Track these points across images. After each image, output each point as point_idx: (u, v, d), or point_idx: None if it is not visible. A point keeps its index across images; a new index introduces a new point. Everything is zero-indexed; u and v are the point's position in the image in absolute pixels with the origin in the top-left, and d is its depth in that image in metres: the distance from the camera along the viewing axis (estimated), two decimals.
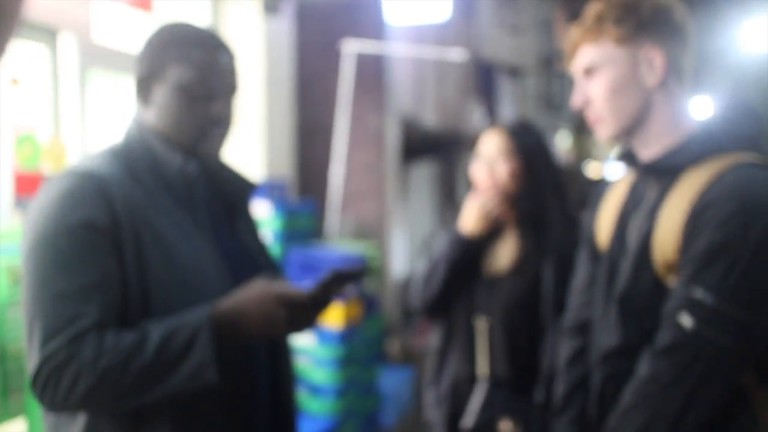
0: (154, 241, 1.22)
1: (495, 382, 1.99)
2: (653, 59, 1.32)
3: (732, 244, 1.18)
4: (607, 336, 1.38)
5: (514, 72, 10.40)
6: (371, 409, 4.17)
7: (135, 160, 1.30)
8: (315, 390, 3.70)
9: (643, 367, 1.25)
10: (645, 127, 1.35)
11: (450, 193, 8.21)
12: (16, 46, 2.44)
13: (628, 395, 1.27)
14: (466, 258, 2.03)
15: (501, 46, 9.09)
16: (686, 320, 1.19)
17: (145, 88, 1.33)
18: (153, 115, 1.32)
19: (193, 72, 1.29)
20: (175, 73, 1.29)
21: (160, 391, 1.13)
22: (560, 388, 1.59)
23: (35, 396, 1.16)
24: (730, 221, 1.18)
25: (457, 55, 5.88)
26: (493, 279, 2.04)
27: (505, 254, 2.05)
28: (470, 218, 2.02)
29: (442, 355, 2.14)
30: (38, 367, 1.13)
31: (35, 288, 1.16)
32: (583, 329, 1.54)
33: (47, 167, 2.46)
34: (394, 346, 5.23)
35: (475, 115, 8.02)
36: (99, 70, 2.72)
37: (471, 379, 2.03)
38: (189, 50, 1.30)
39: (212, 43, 1.33)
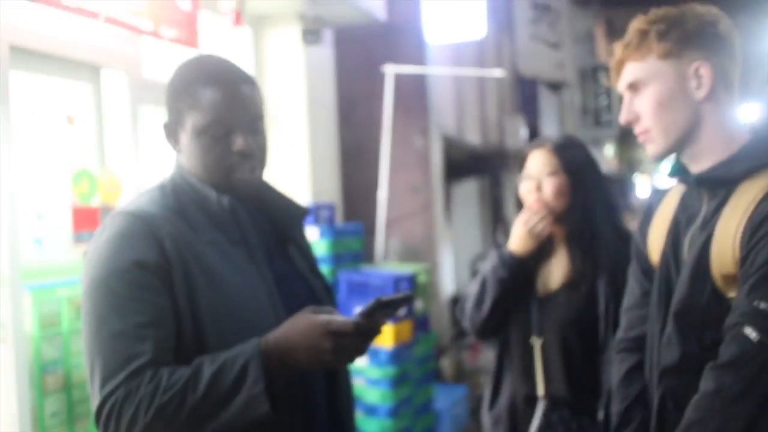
0: (204, 276, 1.24)
1: (553, 402, 1.97)
2: (700, 72, 1.31)
3: None
4: (665, 351, 1.36)
5: (555, 86, 10.35)
6: (426, 428, 4.15)
7: (181, 196, 1.32)
8: (369, 410, 3.70)
9: (708, 382, 1.23)
10: (696, 141, 1.34)
11: (496, 210, 8.18)
12: (70, 84, 2.53)
13: (691, 410, 1.24)
14: (517, 277, 2.01)
15: (541, 61, 9.06)
16: (751, 332, 1.18)
17: (171, 134, 1.36)
18: (185, 159, 1.35)
19: (206, 115, 1.29)
20: (190, 120, 1.30)
21: (215, 425, 1.16)
22: (616, 406, 1.56)
23: None
24: None
25: (496, 72, 5.89)
26: (547, 297, 2.02)
27: (557, 272, 2.03)
28: (519, 237, 2.01)
29: (498, 375, 2.12)
30: (100, 405, 1.17)
31: (93, 328, 1.20)
32: (638, 345, 1.51)
33: (103, 202, 2.54)
34: (446, 365, 5.21)
35: (518, 130, 7.99)
36: (150, 105, 2.81)
37: (528, 399, 2.01)
38: (199, 93, 1.30)
39: (224, 77, 1.31)
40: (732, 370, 1.19)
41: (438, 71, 5.55)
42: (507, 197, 8.16)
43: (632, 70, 1.36)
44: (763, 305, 1.17)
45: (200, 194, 1.32)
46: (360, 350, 1.21)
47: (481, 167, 7.79)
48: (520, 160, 2.08)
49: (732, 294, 1.25)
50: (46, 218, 2.38)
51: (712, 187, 1.32)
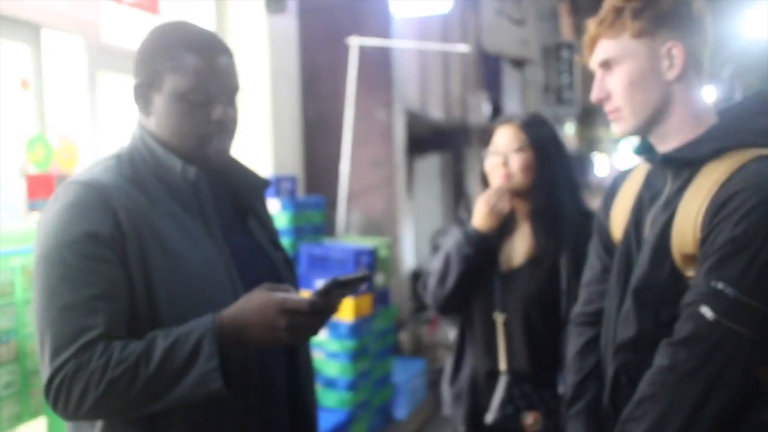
0: (159, 249, 1.22)
1: (515, 376, 2.00)
2: (673, 53, 1.32)
3: (753, 237, 1.18)
4: (621, 327, 1.38)
5: (519, 63, 10.38)
6: (384, 401, 4.20)
7: (139, 166, 1.30)
8: (328, 383, 3.72)
9: (661, 358, 1.25)
10: (664, 121, 1.35)
11: (458, 186, 8.22)
12: (26, 48, 2.46)
13: (644, 385, 1.27)
14: (480, 254, 2.03)
15: (505, 37, 9.06)
16: (707, 311, 1.20)
17: (143, 96, 1.32)
18: (153, 123, 1.31)
19: (188, 80, 1.27)
20: (170, 82, 1.28)
21: (168, 400, 1.15)
22: (570, 378, 1.59)
23: (49, 406, 1.18)
24: (751, 214, 1.19)
25: (460, 47, 5.88)
26: (510, 273, 2.05)
27: (520, 248, 2.06)
28: (483, 215, 2.02)
29: (460, 350, 2.15)
30: (49, 378, 1.15)
31: (44, 301, 1.18)
32: (595, 320, 1.54)
33: (59, 169, 2.49)
34: (405, 339, 5.26)
35: (481, 106, 8.01)
36: (108, 71, 2.74)
37: (490, 374, 2.04)
38: (182, 57, 1.27)
39: (207, 45, 1.30)
40: (686, 347, 1.22)
41: (403, 45, 5.52)
42: (469, 173, 8.21)
43: (605, 48, 1.36)
44: (720, 285, 1.20)
45: (161, 164, 1.29)
46: (315, 329, 1.21)
47: (443, 142, 7.80)
48: (486, 136, 2.09)
49: (690, 273, 1.27)
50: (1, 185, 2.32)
51: (677, 167, 1.34)
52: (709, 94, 1.40)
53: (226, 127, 1.32)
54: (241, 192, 1.43)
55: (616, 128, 1.40)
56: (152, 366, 1.13)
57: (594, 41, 1.38)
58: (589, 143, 19.78)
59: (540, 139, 2.02)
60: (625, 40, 1.34)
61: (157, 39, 1.31)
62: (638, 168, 1.50)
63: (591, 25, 1.39)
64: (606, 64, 1.37)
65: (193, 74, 1.27)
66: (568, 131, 15.13)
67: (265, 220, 1.51)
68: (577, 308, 1.63)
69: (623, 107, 1.35)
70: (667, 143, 1.36)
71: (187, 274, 1.24)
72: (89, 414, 1.16)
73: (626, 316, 1.37)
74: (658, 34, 1.32)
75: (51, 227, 1.21)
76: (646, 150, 1.42)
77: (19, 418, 2.09)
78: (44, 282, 1.19)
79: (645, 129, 1.37)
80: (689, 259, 1.27)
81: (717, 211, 1.23)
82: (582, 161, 16.87)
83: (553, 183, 2.00)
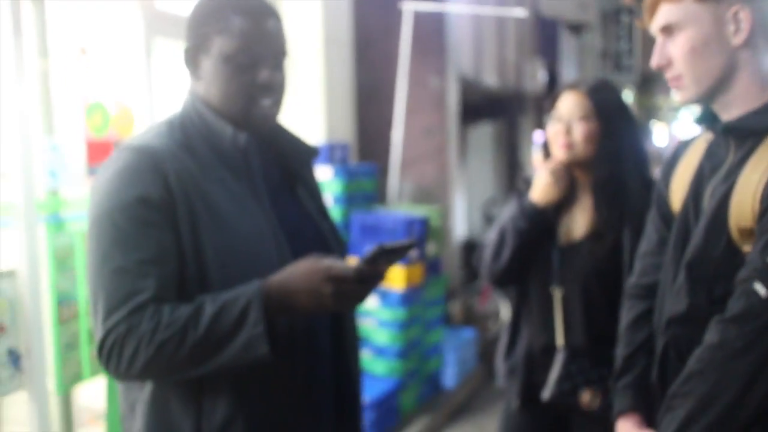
0: (209, 214, 1.23)
1: (572, 352, 1.96)
2: (739, 16, 1.25)
3: None
4: (674, 301, 1.35)
5: (576, 28, 10.12)
6: (434, 370, 4.21)
7: (190, 132, 1.30)
8: (379, 351, 3.75)
9: (712, 334, 1.22)
10: (729, 89, 1.29)
11: (511, 155, 8.10)
12: (83, 15, 2.49)
13: (693, 361, 1.24)
14: (537, 228, 1.97)
15: (562, 2, 8.84)
16: (761, 288, 1.16)
17: (192, 60, 1.32)
18: (203, 87, 1.32)
19: (235, 41, 1.27)
20: (218, 45, 1.28)
21: (214, 363, 1.17)
22: (621, 350, 1.56)
23: (102, 366, 1.21)
24: None
25: (517, 11, 5.74)
26: (569, 247, 1.98)
27: (581, 221, 1.99)
28: (543, 187, 1.96)
29: (515, 324, 2.11)
30: (102, 339, 1.18)
31: (96, 264, 1.20)
32: (649, 292, 1.50)
33: (116, 135, 2.52)
34: (456, 308, 5.25)
35: (537, 73, 7.85)
36: (163, 37, 2.76)
37: (546, 349, 2.00)
38: (230, 19, 1.27)
39: (255, 8, 1.30)
40: (737, 324, 1.18)
41: (457, 9, 5.41)
42: (523, 142, 8.08)
43: (667, 12, 1.30)
44: None
45: (211, 129, 1.30)
46: (361, 296, 1.21)
47: (497, 110, 7.67)
48: (551, 101, 2.01)
49: (747, 248, 1.22)
50: (59, 151, 2.36)
51: (740, 137, 1.28)
52: None
53: (273, 90, 1.32)
54: (289, 159, 1.43)
55: (677, 96, 1.35)
56: (200, 330, 1.15)
57: (655, 5, 1.32)
58: (648, 112, 19.26)
59: (606, 107, 1.93)
60: (687, 4, 1.27)
61: (206, 2, 1.32)
62: (700, 138, 1.44)
63: None
64: (667, 29, 1.31)
65: (239, 36, 1.27)
66: (627, 99, 14.74)
67: (314, 188, 1.51)
68: (632, 280, 1.59)
69: (685, 75, 1.30)
70: (730, 112, 1.30)
71: (236, 240, 1.25)
72: (139, 375, 1.19)
73: (678, 290, 1.33)
74: None
75: (104, 192, 1.23)
76: (708, 119, 1.36)
77: (80, 377, 2.15)
78: (97, 245, 1.21)
79: (708, 97, 1.31)
80: (747, 233, 1.22)
81: None
82: (641, 130, 16.43)
83: (618, 154, 1.91)
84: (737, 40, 1.26)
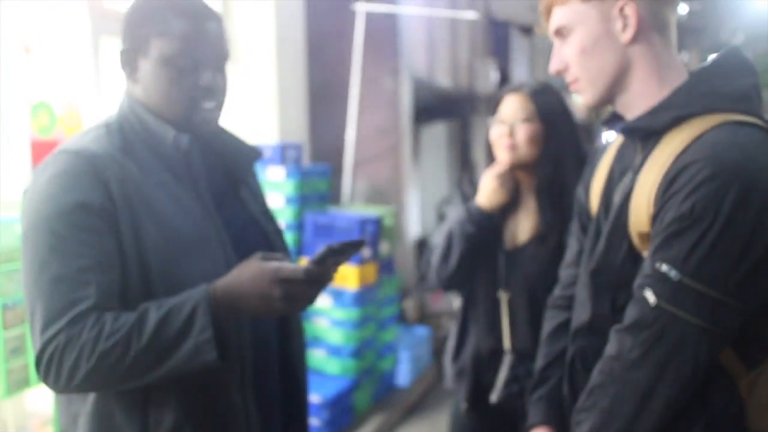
0: (151, 219, 1.21)
1: (519, 355, 1.98)
2: (625, 12, 1.20)
3: (701, 215, 1.07)
4: (578, 311, 1.32)
5: (527, 30, 10.25)
6: (388, 369, 4.23)
7: (129, 135, 1.27)
8: (333, 351, 3.75)
9: (610, 345, 1.18)
10: (626, 88, 1.24)
11: (464, 154, 8.18)
12: (28, 14, 2.44)
13: (595, 374, 1.20)
14: (485, 232, 1.98)
15: (514, 5, 8.94)
16: (650, 296, 1.11)
17: (129, 62, 1.30)
18: (141, 90, 1.29)
19: (176, 44, 1.25)
20: (157, 47, 1.25)
21: (161, 371, 1.14)
22: (538, 362, 1.56)
23: (40, 379, 1.17)
24: (700, 189, 1.07)
25: (468, 14, 5.80)
26: (515, 250, 2.00)
27: (525, 224, 2.01)
28: (489, 191, 1.97)
29: (463, 326, 2.12)
30: (40, 350, 1.14)
31: (33, 272, 1.16)
32: (569, 303, 1.47)
33: (63, 135, 2.48)
34: (410, 307, 5.28)
35: (489, 74, 7.94)
36: (111, 36, 2.72)
37: (493, 352, 2.02)
38: (170, 21, 1.25)
39: (195, 10, 1.28)
40: (631, 334, 1.13)
41: (410, 11, 5.44)
42: (476, 141, 8.16)
43: (557, 16, 1.26)
44: (664, 267, 1.10)
45: (151, 132, 1.27)
46: (310, 297, 1.19)
47: (450, 110, 7.73)
48: (493, 104, 2.02)
49: (646, 253, 1.17)
50: (3, 152, 2.31)
51: (643, 138, 1.23)
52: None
53: (215, 93, 1.30)
54: (232, 162, 1.41)
55: (580, 100, 1.30)
56: (145, 337, 1.12)
57: (549, 10, 1.29)
58: (598, 112, 19.60)
59: (549, 110, 1.95)
60: (574, 5, 1.23)
61: (144, 4, 1.29)
62: (616, 140, 1.40)
63: None
64: (560, 33, 1.27)
65: (180, 38, 1.25)
66: (576, 100, 15.00)
67: (257, 190, 1.49)
68: (555, 292, 1.59)
69: (581, 77, 1.26)
70: (632, 111, 1.25)
71: (180, 245, 1.22)
72: (80, 387, 1.15)
73: (584, 300, 1.30)
74: None
75: (41, 197, 1.18)
76: (615, 121, 1.31)
77: (26, 383, 2.11)
78: (34, 253, 1.16)
79: (607, 98, 1.26)
80: (645, 238, 1.17)
81: (669, 185, 1.11)
82: (590, 131, 16.73)
83: (560, 156, 1.94)
84: (626, 36, 1.21)
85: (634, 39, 1.21)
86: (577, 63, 1.25)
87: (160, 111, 1.29)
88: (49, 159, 1.23)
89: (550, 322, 1.57)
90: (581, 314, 1.31)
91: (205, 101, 1.28)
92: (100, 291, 1.15)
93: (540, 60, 11.53)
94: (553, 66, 1.30)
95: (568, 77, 1.28)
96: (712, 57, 1.26)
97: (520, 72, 9.63)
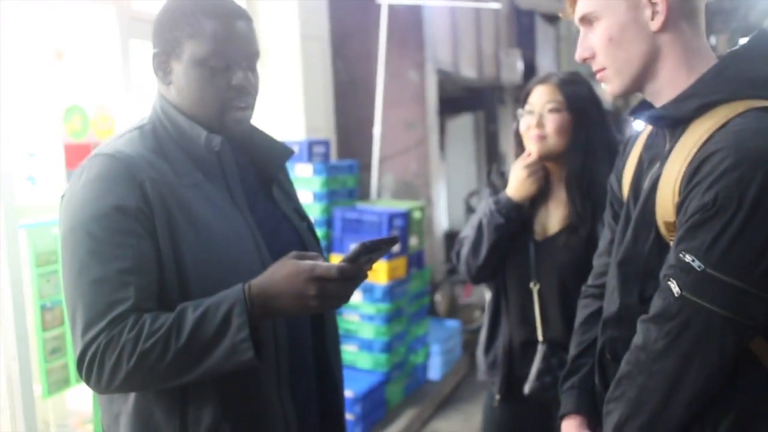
0: (187, 220, 1.22)
1: (552, 346, 1.97)
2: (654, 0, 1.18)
3: (724, 204, 1.05)
4: (608, 301, 1.31)
5: (552, 18, 10.15)
6: (420, 362, 4.24)
7: (162, 137, 1.29)
8: (364, 345, 3.77)
9: (637, 336, 1.17)
10: (655, 77, 1.22)
11: (491, 145, 8.14)
12: (58, 19, 2.47)
13: (623, 364, 1.20)
14: (515, 223, 1.98)
15: None
16: (674, 286, 1.10)
17: (162, 65, 1.31)
18: (174, 92, 1.30)
19: (208, 45, 1.25)
20: (189, 49, 1.26)
21: (199, 371, 1.14)
22: (571, 351, 1.55)
23: (82, 380, 1.19)
24: (723, 177, 1.05)
25: (492, 3, 5.76)
26: (545, 241, 1.99)
27: (555, 215, 2.00)
28: (518, 182, 1.97)
29: (494, 318, 2.11)
30: (82, 352, 1.16)
31: (73, 275, 1.18)
32: (602, 292, 1.44)
33: (95, 138, 2.52)
34: (440, 300, 5.28)
35: (515, 64, 7.88)
36: (140, 39, 2.75)
37: (525, 343, 2.02)
38: (201, 23, 1.26)
39: (225, 10, 1.29)
40: (656, 324, 1.13)
41: (434, 2, 5.43)
42: (503, 132, 8.12)
43: (584, 3, 1.24)
44: (688, 258, 1.08)
45: (184, 134, 1.29)
46: (345, 296, 1.19)
47: (476, 102, 7.71)
48: (524, 95, 2.01)
49: (673, 243, 1.15)
50: (38, 156, 2.35)
51: (669, 126, 1.21)
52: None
53: (247, 93, 1.30)
54: (264, 161, 1.42)
55: (606, 89, 1.27)
56: (183, 338, 1.13)
57: None
58: (626, 99, 19.37)
59: (577, 99, 1.93)
60: None
61: (173, 7, 1.30)
62: (646, 128, 1.37)
63: None
64: (586, 20, 1.24)
65: (211, 39, 1.26)
66: (604, 87, 14.81)
67: (289, 189, 1.50)
68: (589, 281, 1.58)
69: (608, 66, 1.23)
70: (661, 99, 1.22)
71: (215, 245, 1.23)
72: (121, 387, 1.17)
73: (612, 290, 1.29)
74: None
75: (78, 201, 1.20)
76: (642, 109, 1.28)
77: (66, 383, 2.15)
78: (73, 256, 1.18)
79: (635, 87, 1.24)
80: (671, 227, 1.15)
81: (693, 174, 1.09)
82: (618, 118, 16.54)
83: (590, 146, 1.92)
84: (655, 24, 1.18)
85: (663, 27, 1.19)
86: (604, 52, 1.22)
87: (192, 112, 1.30)
88: (84, 163, 1.25)
89: (582, 311, 1.56)
90: (610, 304, 1.30)
91: (238, 101, 1.29)
92: (138, 292, 1.16)
93: (566, 49, 11.43)
94: (579, 54, 1.27)
95: (595, 66, 1.26)
96: (742, 41, 1.23)
97: (545, 61, 9.55)
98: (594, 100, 1.99)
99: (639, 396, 1.15)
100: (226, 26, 1.27)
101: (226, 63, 1.27)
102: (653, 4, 1.18)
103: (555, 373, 1.95)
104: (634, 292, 1.24)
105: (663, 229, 1.18)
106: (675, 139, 1.19)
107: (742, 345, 1.10)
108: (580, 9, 1.25)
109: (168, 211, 1.21)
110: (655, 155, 1.27)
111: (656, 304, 1.14)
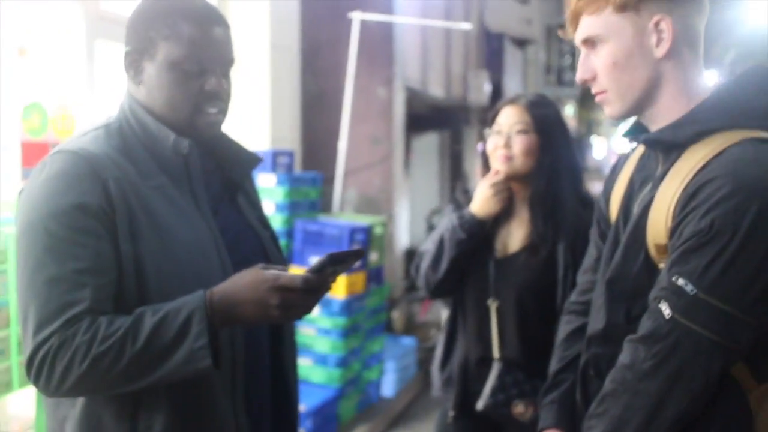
0: (149, 222, 1.20)
1: (507, 364, 1.99)
2: (661, 26, 1.20)
3: (720, 231, 1.08)
4: (593, 318, 1.33)
5: (521, 42, 10.31)
6: (374, 379, 4.22)
7: (129, 137, 1.27)
8: (319, 359, 3.74)
9: (624, 354, 1.19)
10: (655, 102, 1.24)
11: (456, 165, 8.20)
12: (24, 15, 2.43)
13: (608, 382, 1.21)
14: (476, 239, 1.99)
15: (508, 16, 9.00)
16: (665, 308, 1.12)
17: (133, 64, 1.29)
18: (144, 93, 1.28)
19: (183, 48, 1.24)
20: (164, 51, 1.25)
21: (154, 377, 1.12)
22: (552, 366, 1.57)
23: (30, 382, 1.15)
24: (720, 205, 1.08)
25: (463, 25, 5.82)
26: (505, 259, 2.01)
27: (517, 234, 2.02)
28: (483, 200, 1.98)
29: (451, 335, 2.12)
30: (32, 352, 1.12)
31: (28, 273, 1.15)
32: (586, 309, 1.48)
33: (54, 137, 2.47)
34: (397, 317, 5.28)
35: (482, 85, 7.97)
36: (106, 39, 2.72)
37: (482, 361, 2.03)
38: (178, 25, 1.25)
39: (204, 15, 1.27)
40: (645, 345, 1.15)
41: (405, 20, 5.46)
42: (467, 152, 8.19)
43: (588, 25, 1.25)
44: (680, 281, 1.11)
45: (151, 135, 1.26)
46: (308, 306, 1.18)
47: (443, 121, 7.76)
48: (492, 115, 2.03)
49: (663, 265, 1.18)
50: None
51: (665, 150, 1.24)
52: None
53: (220, 99, 1.29)
54: (231, 167, 1.41)
55: (605, 111, 1.30)
56: (139, 343, 1.10)
57: (577, 16, 1.27)
58: (589, 125, 19.75)
59: (545, 121, 1.96)
60: (607, 16, 1.22)
61: (151, 6, 1.28)
62: (637, 150, 1.41)
63: None
64: (589, 42, 1.25)
65: (188, 43, 1.24)
66: (568, 113, 15.09)
67: (253, 197, 1.49)
68: (572, 297, 1.60)
69: (609, 89, 1.25)
70: (657, 124, 1.25)
71: (176, 250, 1.21)
72: (72, 390, 1.14)
73: (599, 308, 1.31)
74: (643, 7, 1.20)
75: (37, 197, 1.17)
76: (636, 132, 1.32)
77: (8, 387, 2.09)
78: (29, 254, 1.15)
79: (634, 111, 1.27)
80: (662, 249, 1.18)
81: (688, 199, 1.12)
82: (581, 144, 16.85)
83: (555, 168, 1.95)
84: (660, 51, 1.21)
85: (667, 54, 1.21)
86: (607, 75, 1.24)
87: (162, 114, 1.28)
88: (46, 159, 1.21)
89: (565, 326, 1.57)
90: (596, 322, 1.32)
91: (210, 106, 1.28)
92: (95, 294, 1.13)
93: (533, 72, 11.61)
94: (580, 75, 1.29)
95: (595, 87, 1.28)
96: (737, 73, 1.26)
97: (512, 84, 9.68)
98: (561, 122, 2.02)
99: (623, 414, 1.17)
100: (204, 31, 1.26)
101: (201, 68, 1.26)
102: (659, 32, 1.21)
103: (509, 391, 1.97)
104: (621, 311, 1.26)
105: (653, 251, 1.21)
106: (669, 163, 1.22)
107: (727, 369, 1.13)
108: (585, 31, 1.26)
109: (130, 211, 1.19)
110: (646, 177, 1.30)
111: (646, 325, 1.16)
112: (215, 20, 1.29)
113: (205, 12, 1.29)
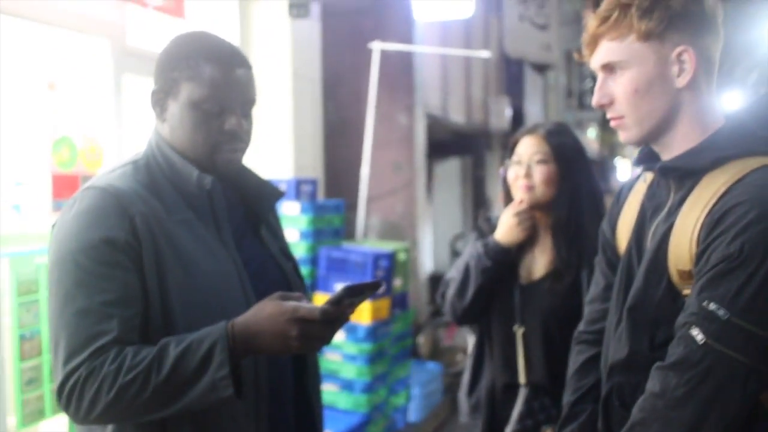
0: (174, 256, 1.23)
1: (534, 390, 1.99)
2: (683, 57, 1.20)
3: (750, 255, 1.08)
4: (615, 347, 1.32)
5: (541, 68, 10.35)
6: (400, 404, 4.20)
7: (155, 173, 1.31)
8: (345, 385, 3.74)
9: (653, 382, 1.17)
10: (671, 130, 1.25)
11: (478, 190, 8.21)
12: (53, 50, 2.50)
13: (636, 411, 1.19)
14: (501, 267, 2.01)
15: (527, 42, 9.05)
16: (697, 334, 1.11)
17: (159, 102, 1.34)
18: (168, 130, 1.33)
19: (204, 89, 1.28)
20: (186, 91, 1.29)
21: (178, 406, 1.15)
22: (567, 397, 1.55)
23: (61, 409, 1.19)
24: (749, 229, 1.09)
25: (482, 53, 5.88)
26: (530, 285, 2.03)
27: (541, 261, 2.04)
28: (508, 228, 2.01)
29: (478, 361, 2.13)
30: (62, 381, 1.16)
31: (59, 304, 1.19)
32: (598, 338, 1.48)
33: (83, 169, 2.53)
34: (423, 342, 5.26)
35: (503, 111, 8.00)
36: (133, 74, 2.78)
37: (508, 387, 2.03)
38: (200, 66, 1.29)
39: (226, 57, 1.31)
40: (676, 372, 1.13)
41: (425, 49, 5.53)
42: (489, 177, 8.20)
43: (608, 50, 1.24)
44: (712, 306, 1.10)
45: (177, 171, 1.31)
46: (326, 338, 1.20)
47: (464, 147, 7.80)
48: (511, 144, 2.07)
49: (687, 291, 1.18)
50: (25, 185, 2.36)
51: (679, 177, 1.24)
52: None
53: (239, 138, 1.33)
54: (254, 201, 1.44)
55: (620, 136, 1.29)
56: (164, 372, 1.14)
57: (596, 41, 1.26)
58: (611, 148, 19.65)
59: (564, 150, 1.99)
60: (630, 43, 1.21)
61: (176, 47, 1.33)
62: (641, 179, 1.41)
63: (592, 21, 1.26)
64: (609, 67, 1.25)
65: (208, 84, 1.28)
66: (590, 136, 15.05)
67: (276, 229, 1.52)
68: (581, 327, 1.59)
69: (627, 115, 1.25)
70: (671, 152, 1.26)
71: (201, 282, 1.25)
72: (100, 418, 1.17)
73: (620, 336, 1.29)
74: (667, 37, 1.20)
75: (67, 232, 1.21)
76: (648, 159, 1.32)
77: (42, 415, 2.13)
78: (59, 286, 1.20)
79: (650, 138, 1.27)
80: (686, 275, 1.18)
81: (714, 225, 1.13)
82: (604, 166, 16.77)
83: (576, 195, 1.98)
84: (682, 81, 1.21)
85: (687, 84, 1.22)
86: (626, 101, 1.24)
87: (184, 151, 1.32)
88: (77, 195, 1.26)
89: (577, 357, 1.56)
90: (618, 351, 1.30)
91: (229, 145, 1.32)
92: (122, 325, 1.17)
93: (554, 98, 11.63)
94: (597, 100, 1.28)
95: (612, 112, 1.27)
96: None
97: (533, 109, 9.71)
98: (579, 150, 2.04)
99: None
100: (225, 72, 1.30)
101: (220, 108, 1.30)
102: (681, 62, 1.21)
103: (536, 417, 1.96)
104: (645, 338, 1.25)
105: (675, 277, 1.20)
106: (684, 190, 1.22)
107: (760, 393, 1.11)
108: (605, 56, 1.25)
109: (156, 245, 1.22)
110: (658, 205, 1.30)
111: (676, 352, 1.14)
112: (237, 62, 1.33)
113: (228, 54, 1.32)
